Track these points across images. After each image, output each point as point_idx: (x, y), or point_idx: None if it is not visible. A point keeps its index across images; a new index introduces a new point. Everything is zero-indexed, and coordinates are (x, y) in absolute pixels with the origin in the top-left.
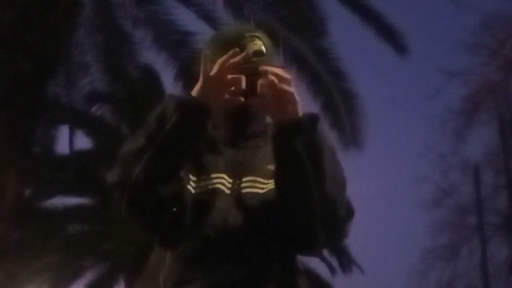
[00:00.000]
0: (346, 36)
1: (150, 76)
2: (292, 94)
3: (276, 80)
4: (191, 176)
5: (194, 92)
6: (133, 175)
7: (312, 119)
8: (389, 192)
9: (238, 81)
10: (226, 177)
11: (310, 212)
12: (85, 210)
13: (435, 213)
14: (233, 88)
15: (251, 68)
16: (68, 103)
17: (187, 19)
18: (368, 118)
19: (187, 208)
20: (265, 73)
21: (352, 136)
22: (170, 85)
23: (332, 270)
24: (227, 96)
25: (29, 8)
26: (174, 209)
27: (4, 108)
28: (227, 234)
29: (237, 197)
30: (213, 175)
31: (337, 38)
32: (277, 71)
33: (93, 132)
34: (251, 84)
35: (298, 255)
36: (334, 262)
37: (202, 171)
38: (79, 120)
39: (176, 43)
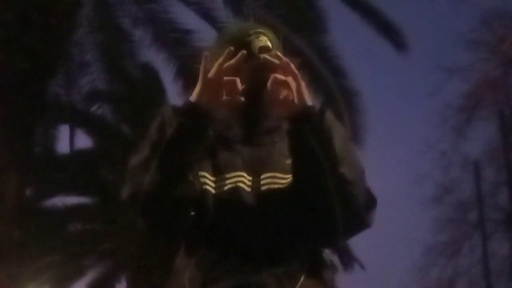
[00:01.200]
0: (346, 34)
1: (150, 75)
2: (299, 85)
3: (282, 74)
4: (209, 176)
5: (193, 94)
6: (143, 185)
7: (320, 107)
8: (390, 189)
9: (234, 82)
10: (245, 174)
11: (328, 197)
12: (86, 209)
13: (436, 210)
14: (230, 89)
15: (259, 64)
16: (68, 103)
17: (187, 17)
18: (369, 115)
19: (208, 209)
20: (271, 67)
21: (352, 134)
22: (170, 83)
23: (333, 267)
24: (225, 97)
25: (28, 8)
26: (192, 213)
27: (4, 107)
28: (251, 232)
29: (258, 194)
30: (231, 174)
31: (337, 35)
32: (282, 64)
33: (93, 131)
34: (260, 80)
35: (319, 246)
36: (336, 259)
37: (219, 171)
38: (79, 120)
39: (175, 42)
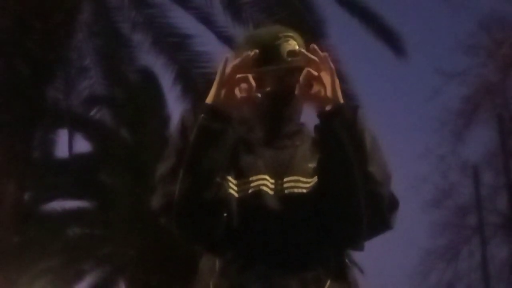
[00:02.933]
0: (345, 39)
1: (149, 79)
2: (333, 81)
3: (316, 69)
4: (232, 180)
5: (209, 96)
6: (174, 194)
7: (353, 105)
8: None
9: (247, 78)
10: (268, 178)
11: (355, 195)
12: (85, 213)
13: (435, 214)
14: (245, 86)
15: (286, 68)
16: (67, 107)
17: (186, 22)
18: (367, 120)
19: (232, 213)
20: (299, 71)
21: None
22: (169, 88)
23: None
24: (240, 94)
25: (28, 13)
26: (225, 214)
27: (4, 112)
28: (275, 236)
29: (282, 197)
30: (254, 177)
31: (336, 40)
32: (320, 58)
33: (92, 136)
34: (287, 84)
35: (344, 247)
36: None
37: (242, 174)
38: (78, 124)
39: (174, 46)
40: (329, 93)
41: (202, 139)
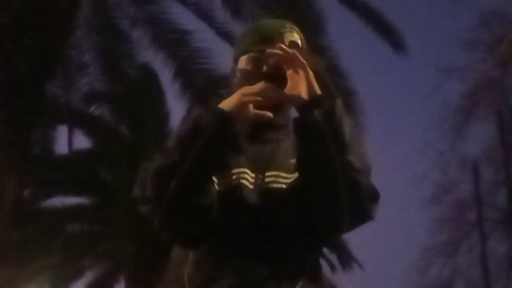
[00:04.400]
0: (344, 34)
1: (148, 76)
2: (307, 75)
3: (289, 66)
4: None
5: (227, 104)
6: (169, 189)
7: (331, 96)
8: (388, 189)
9: (263, 92)
10: (249, 171)
11: (336, 184)
12: (85, 210)
13: (434, 209)
14: (259, 99)
15: (276, 59)
16: (66, 104)
17: (185, 18)
18: (367, 116)
19: (213, 206)
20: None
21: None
22: (169, 84)
23: (332, 267)
24: (255, 111)
25: (27, 9)
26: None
27: (3, 109)
28: (253, 230)
29: (261, 192)
30: (235, 170)
31: (335, 36)
32: (288, 56)
33: (92, 132)
34: (275, 75)
35: (324, 238)
36: (334, 259)
37: (224, 167)
38: (78, 120)
39: (174, 42)
40: (305, 87)
41: (213, 145)
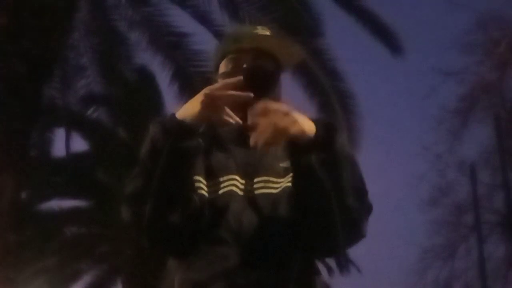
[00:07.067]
0: (342, 37)
1: (146, 78)
2: (294, 121)
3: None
4: (202, 180)
5: (186, 111)
6: (145, 213)
7: (328, 132)
8: (385, 192)
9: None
10: (238, 178)
11: (331, 225)
12: (82, 212)
13: (432, 212)
14: (232, 106)
15: (257, 53)
16: (64, 106)
17: (183, 21)
18: (364, 118)
19: (203, 214)
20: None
21: (348, 137)
22: (166, 86)
23: (329, 270)
24: (226, 117)
25: (24, 11)
26: (196, 229)
27: (0, 111)
28: (243, 236)
29: (251, 198)
30: (225, 177)
31: (332, 38)
32: (271, 108)
33: (89, 135)
34: (261, 64)
35: (319, 258)
36: (332, 262)
37: (213, 174)
38: (75, 123)
39: (171, 45)
40: (296, 132)
41: (173, 162)
